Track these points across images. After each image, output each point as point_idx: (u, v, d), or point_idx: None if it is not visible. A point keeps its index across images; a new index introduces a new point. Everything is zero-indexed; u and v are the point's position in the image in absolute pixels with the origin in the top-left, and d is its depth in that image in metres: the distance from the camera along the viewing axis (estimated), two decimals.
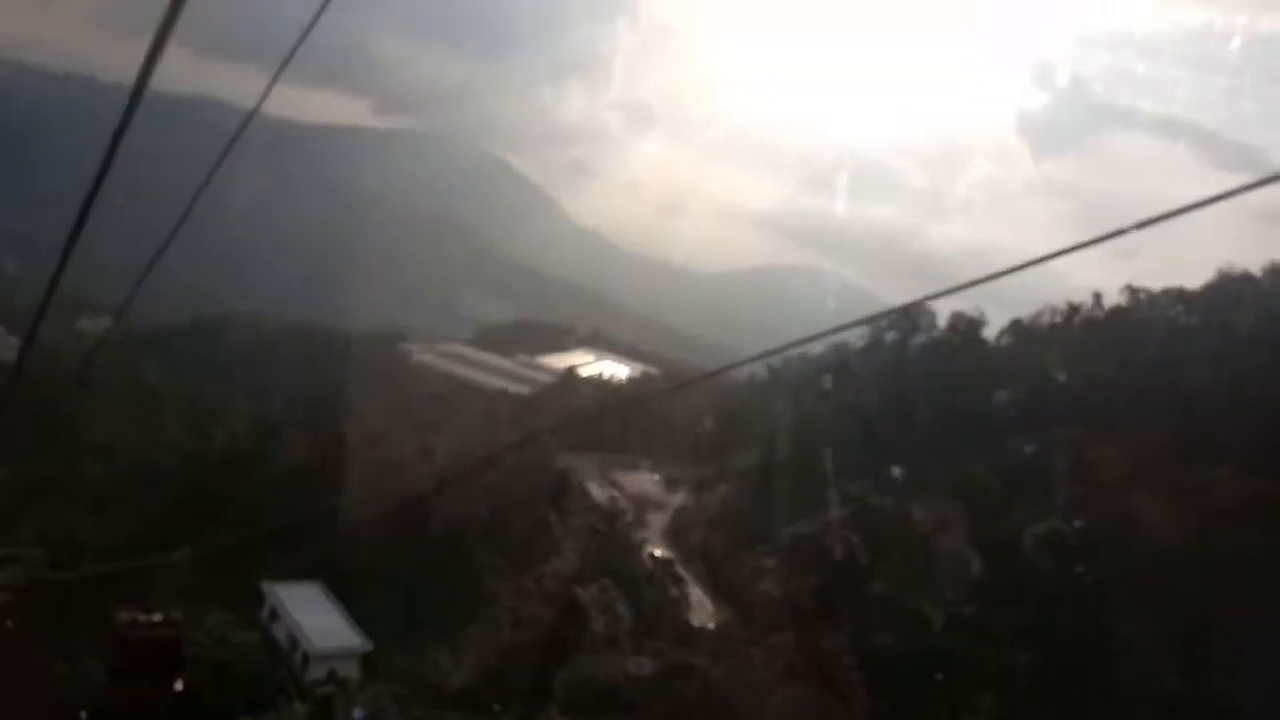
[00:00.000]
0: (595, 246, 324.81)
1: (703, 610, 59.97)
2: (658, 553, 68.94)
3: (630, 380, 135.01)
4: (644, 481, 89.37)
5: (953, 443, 64.20)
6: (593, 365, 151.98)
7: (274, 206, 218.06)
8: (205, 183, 7.35)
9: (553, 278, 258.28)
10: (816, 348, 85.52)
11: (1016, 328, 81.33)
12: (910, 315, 79.57)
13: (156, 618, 13.22)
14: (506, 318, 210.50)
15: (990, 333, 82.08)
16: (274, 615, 50.05)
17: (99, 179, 5.47)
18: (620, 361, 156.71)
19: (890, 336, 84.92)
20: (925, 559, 53.95)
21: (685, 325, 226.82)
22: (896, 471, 62.94)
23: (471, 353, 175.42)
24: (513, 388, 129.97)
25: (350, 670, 46.36)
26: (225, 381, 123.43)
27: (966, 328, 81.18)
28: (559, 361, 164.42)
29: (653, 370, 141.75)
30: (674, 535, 77.34)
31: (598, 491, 79.96)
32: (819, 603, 50.18)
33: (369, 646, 47.57)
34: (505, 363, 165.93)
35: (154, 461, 76.01)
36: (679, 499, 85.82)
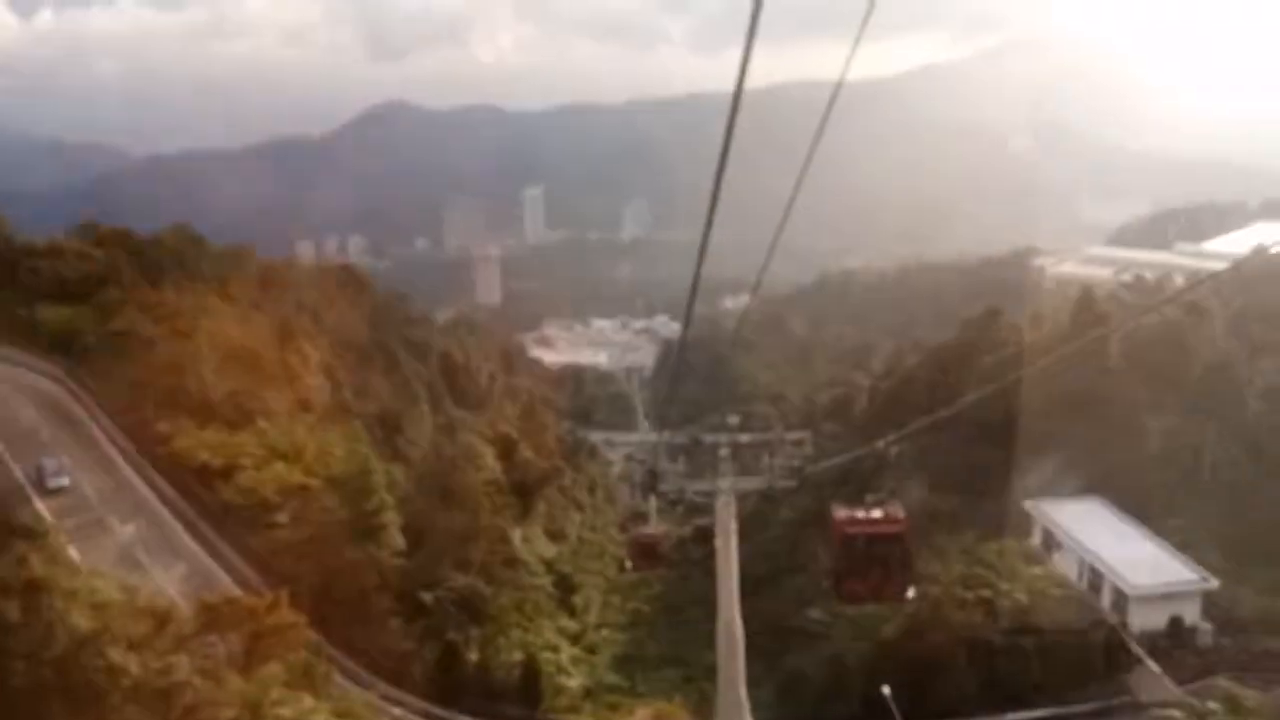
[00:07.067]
0: (1233, 117, 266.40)
1: None
2: None
3: None
4: None
5: None
6: None
7: (864, 162, 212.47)
8: (808, 159, 6.92)
9: (1193, 160, 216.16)
10: None
11: None
12: None
13: (876, 513, 10.63)
14: (1141, 213, 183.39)
15: None
16: (1050, 541, 37.81)
17: (717, 183, 5.80)
18: None
19: None
20: None
21: None
22: None
23: (1116, 253, 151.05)
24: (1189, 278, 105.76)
25: (1191, 614, 31.96)
26: (861, 326, 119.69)
27: None
28: (1231, 244, 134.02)
29: None
30: None
31: None
32: None
33: (1211, 583, 32.75)
34: (1162, 256, 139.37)
35: (820, 398, 70.79)
36: None
